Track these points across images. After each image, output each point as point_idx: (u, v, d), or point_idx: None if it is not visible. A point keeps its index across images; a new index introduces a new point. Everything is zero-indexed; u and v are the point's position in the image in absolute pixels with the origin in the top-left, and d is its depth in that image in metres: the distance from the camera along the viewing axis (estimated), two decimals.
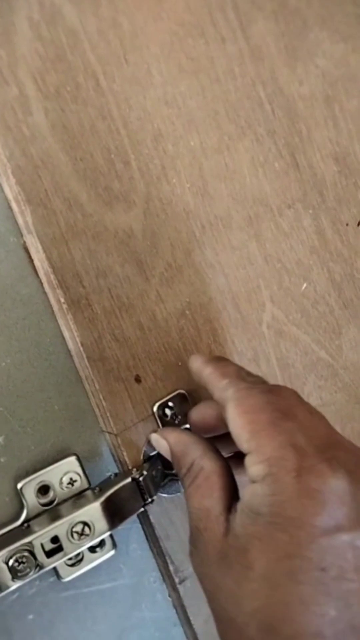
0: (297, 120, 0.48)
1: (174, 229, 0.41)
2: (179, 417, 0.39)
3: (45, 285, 0.36)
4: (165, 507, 0.39)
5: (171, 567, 0.39)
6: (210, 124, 0.43)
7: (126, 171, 0.39)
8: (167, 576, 0.40)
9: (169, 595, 0.40)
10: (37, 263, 0.36)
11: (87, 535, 0.33)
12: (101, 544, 0.36)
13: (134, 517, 0.39)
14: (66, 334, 0.37)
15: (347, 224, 0.52)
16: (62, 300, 0.36)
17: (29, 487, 0.34)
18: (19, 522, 0.34)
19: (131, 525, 0.39)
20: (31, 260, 0.36)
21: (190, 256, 0.41)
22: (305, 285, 0.48)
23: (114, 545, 0.37)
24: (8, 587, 0.31)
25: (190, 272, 0.41)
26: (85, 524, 0.33)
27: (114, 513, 0.34)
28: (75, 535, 0.32)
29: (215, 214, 0.43)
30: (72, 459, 0.36)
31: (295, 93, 0.48)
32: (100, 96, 0.38)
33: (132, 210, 0.39)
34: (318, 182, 0.50)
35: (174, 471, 0.40)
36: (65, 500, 0.35)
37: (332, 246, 0.50)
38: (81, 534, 0.32)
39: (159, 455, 0.38)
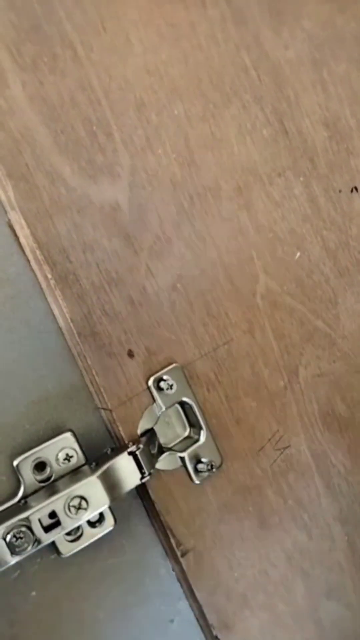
0: (284, 85, 0.47)
1: (161, 200, 0.40)
2: (174, 388, 0.39)
3: (32, 263, 0.36)
4: (165, 482, 0.39)
5: (173, 541, 0.38)
6: (194, 92, 0.42)
7: (109, 143, 0.38)
8: (169, 550, 0.39)
9: (173, 570, 0.40)
10: (22, 240, 0.36)
11: (85, 509, 0.32)
12: (101, 519, 0.36)
13: (134, 492, 0.39)
14: (56, 311, 0.37)
15: (339, 191, 0.51)
16: (50, 276, 0.35)
17: (25, 464, 0.34)
18: (16, 499, 0.34)
19: (131, 501, 0.39)
20: (17, 238, 0.36)
21: (179, 228, 0.41)
22: (298, 254, 0.48)
23: (115, 520, 0.37)
24: (7, 563, 0.31)
25: (180, 244, 0.41)
26: (82, 498, 0.33)
27: (111, 487, 0.34)
28: (72, 509, 0.32)
29: (204, 184, 0.42)
30: (68, 434, 0.35)
31: (281, 58, 0.47)
32: (78, 67, 0.37)
33: (117, 183, 0.38)
34: (308, 148, 0.49)
35: (171, 445, 0.40)
36: (62, 476, 0.35)
37: (325, 214, 0.49)
38: (78, 508, 0.32)
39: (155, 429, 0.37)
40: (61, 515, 0.32)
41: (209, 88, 0.43)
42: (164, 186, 0.40)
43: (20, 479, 0.34)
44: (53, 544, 0.35)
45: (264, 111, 0.46)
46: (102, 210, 0.37)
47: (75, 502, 0.32)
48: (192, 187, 0.42)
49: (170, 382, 0.39)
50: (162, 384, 0.38)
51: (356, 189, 0.52)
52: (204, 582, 0.40)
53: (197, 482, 0.39)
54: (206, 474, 0.39)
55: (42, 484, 0.35)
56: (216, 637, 0.40)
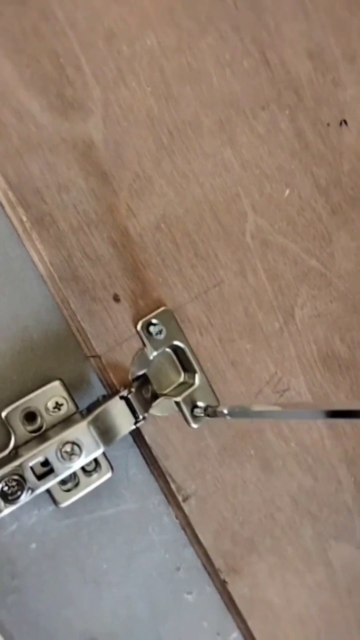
0: (263, 13, 0.45)
1: (138, 136, 0.38)
2: (163, 333, 0.37)
3: (6, 207, 0.34)
4: (161, 426, 0.37)
5: (173, 486, 0.37)
6: (166, 22, 0.40)
7: (78, 76, 0.36)
8: (170, 497, 0.39)
9: (176, 517, 0.39)
10: None
11: (77, 454, 0.31)
12: (97, 467, 0.35)
13: (130, 441, 0.38)
14: (34, 257, 0.35)
15: (328, 124, 0.48)
16: (25, 219, 0.34)
17: (13, 415, 0.33)
18: (7, 451, 0.32)
19: (128, 450, 0.38)
20: None
21: (160, 165, 0.39)
22: (288, 191, 0.46)
23: (111, 468, 0.36)
24: (1, 512, 0.30)
25: (162, 182, 0.39)
26: (74, 444, 0.31)
27: (104, 432, 0.33)
28: (65, 455, 0.31)
29: (183, 118, 0.40)
30: (56, 383, 0.34)
31: None
32: None
33: (90, 119, 0.36)
34: (292, 80, 0.46)
35: (166, 391, 0.39)
36: (53, 426, 0.34)
37: (314, 149, 0.47)
38: (71, 453, 0.31)
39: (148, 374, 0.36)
40: (54, 462, 0.31)
41: (183, 17, 0.41)
42: (140, 121, 0.38)
43: (10, 430, 0.33)
44: (50, 495, 0.34)
45: (243, 41, 0.44)
46: (75, 148, 0.35)
47: (68, 447, 0.31)
48: (170, 122, 0.40)
49: (160, 326, 0.37)
50: (151, 328, 0.37)
51: (345, 122, 0.50)
52: (208, 527, 0.39)
53: (194, 426, 0.38)
54: (203, 417, 0.38)
55: (33, 434, 0.34)
56: (224, 581, 0.40)
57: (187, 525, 0.39)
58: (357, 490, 0.47)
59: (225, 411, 0.34)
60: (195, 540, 0.39)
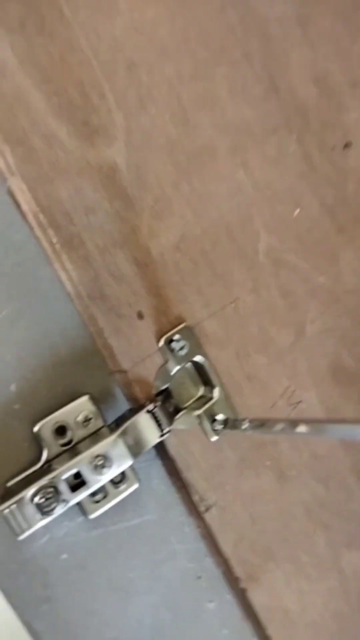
0: (271, 42, 0.47)
1: (158, 161, 0.40)
2: (186, 348, 0.39)
3: (36, 229, 0.36)
4: (183, 439, 0.39)
5: (195, 497, 0.39)
6: (182, 51, 0.42)
7: (103, 104, 0.38)
8: (192, 507, 0.40)
9: (197, 527, 0.41)
10: (24, 206, 0.35)
11: (109, 467, 0.33)
12: (124, 479, 0.36)
13: (154, 453, 0.39)
14: (63, 277, 0.36)
15: (333, 147, 0.51)
16: (55, 240, 0.35)
17: (45, 429, 0.34)
18: (40, 464, 0.34)
19: (151, 462, 0.39)
20: (18, 205, 0.35)
21: (178, 188, 0.41)
22: (297, 211, 0.48)
23: (138, 479, 0.37)
24: (37, 523, 0.31)
25: (180, 204, 0.41)
26: (105, 457, 0.33)
27: (133, 445, 0.34)
28: (97, 468, 0.32)
29: (199, 143, 0.42)
30: (85, 398, 0.35)
31: (267, 14, 0.46)
32: (66, 27, 0.37)
33: (113, 144, 0.38)
34: (299, 106, 0.48)
35: (187, 404, 0.40)
36: (83, 439, 0.35)
37: (321, 170, 0.49)
38: (102, 467, 0.32)
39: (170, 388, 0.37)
40: (86, 475, 0.32)
41: (197, 47, 0.43)
42: (160, 146, 0.40)
43: (43, 443, 0.34)
44: (80, 506, 0.35)
45: (254, 69, 0.46)
46: (100, 172, 0.37)
47: (99, 461, 0.33)
48: (188, 147, 0.41)
49: (182, 342, 0.39)
50: (173, 344, 0.38)
51: (349, 144, 0.52)
52: (228, 536, 0.40)
53: (214, 438, 0.39)
54: (222, 429, 0.39)
55: (64, 448, 0.35)
56: (243, 589, 0.41)
57: (207, 535, 0.40)
58: None
59: (247, 425, 0.36)
60: (215, 549, 0.40)
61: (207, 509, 0.39)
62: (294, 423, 0.32)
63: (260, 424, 0.34)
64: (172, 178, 0.40)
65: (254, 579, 0.41)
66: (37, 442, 0.34)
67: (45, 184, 0.35)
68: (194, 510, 0.40)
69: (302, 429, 0.34)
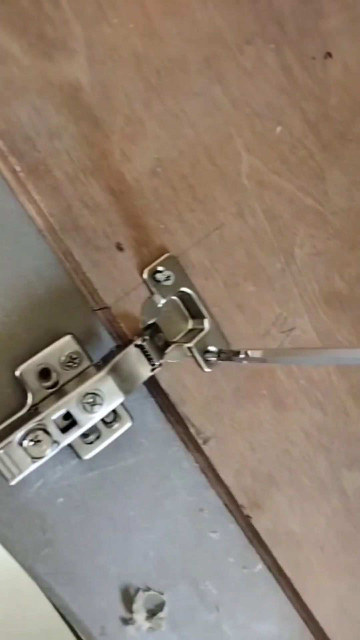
0: None
1: (125, 77, 0.36)
2: (171, 279, 0.37)
3: None
4: (176, 373, 0.37)
5: (192, 430, 0.38)
6: None
7: (58, 13, 0.34)
8: (189, 442, 0.39)
9: (195, 461, 0.40)
10: None
11: (100, 404, 0.31)
12: (116, 418, 0.35)
13: (145, 391, 0.38)
14: (31, 210, 0.34)
15: (313, 58, 0.47)
16: (18, 168, 0.32)
17: (28, 373, 0.32)
18: (25, 409, 0.32)
19: (144, 400, 0.38)
20: None
21: (150, 107, 0.37)
22: (279, 129, 0.45)
23: (131, 418, 0.36)
24: (28, 467, 0.30)
25: (154, 124, 0.38)
26: (95, 394, 0.31)
27: (123, 380, 0.32)
28: (87, 406, 0.31)
29: (169, 56, 0.38)
30: (68, 337, 0.34)
31: None
32: None
33: (74, 59, 0.34)
34: (275, 12, 0.44)
35: (176, 338, 0.39)
36: (69, 381, 0.33)
37: (302, 83, 0.46)
38: (93, 404, 0.31)
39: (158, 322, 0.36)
40: (76, 415, 0.31)
41: None
42: (126, 60, 0.36)
43: (27, 388, 0.33)
44: (72, 449, 0.34)
45: None
46: (62, 91, 0.34)
47: (89, 399, 0.31)
48: (157, 61, 0.38)
49: (167, 272, 0.37)
50: (157, 275, 0.36)
51: (329, 54, 0.49)
52: (229, 467, 0.40)
53: (207, 370, 0.38)
54: (215, 360, 0.38)
55: (50, 391, 0.33)
56: (248, 516, 0.41)
57: (207, 468, 0.40)
58: None
59: (242, 355, 0.34)
60: (217, 480, 0.40)
61: (205, 441, 0.38)
62: (291, 352, 0.31)
63: (258, 356, 0.33)
64: (142, 96, 0.37)
65: (257, 506, 0.41)
66: (21, 387, 0.33)
67: (1, 106, 0.32)
68: (192, 443, 0.39)
69: (299, 357, 0.33)
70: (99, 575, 0.36)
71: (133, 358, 0.33)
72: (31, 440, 0.30)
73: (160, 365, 0.34)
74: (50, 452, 0.30)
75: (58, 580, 0.35)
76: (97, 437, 0.35)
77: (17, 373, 0.33)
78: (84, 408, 0.31)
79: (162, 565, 0.39)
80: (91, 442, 0.35)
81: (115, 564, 0.37)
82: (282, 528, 0.43)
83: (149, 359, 0.34)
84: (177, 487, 0.39)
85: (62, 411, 0.31)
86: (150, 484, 0.38)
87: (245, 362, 0.35)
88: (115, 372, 0.32)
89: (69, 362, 0.34)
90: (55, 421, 0.31)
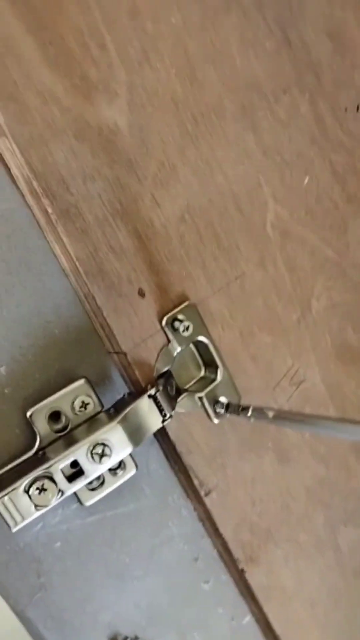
0: None
1: (163, 122, 0.36)
2: (190, 329, 0.36)
3: (28, 196, 0.32)
4: (184, 423, 0.37)
5: (195, 482, 0.37)
6: None
7: (103, 56, 0.33)
8: (191, 491, 0.39)
9: (194, 510, 0.40)
10: (14, 171, 0.32)
11: (108, 456, 0.31)
12: (121, 465, 0.35)
13: (151, 437, 0.38)
14: (57, 250, 0.33)
15: (345, 109, 0.47)
16: (50, 210, 0.32)
17: (38, 415, 0.32)
18: (32, 452, 0.32)
19: (149, 446, 0.38)
20: (8, 169, 0.32)
21: (184, 153, 0.37)
22: (307, 179, 0.45)
23: (136, 465, 0.35)
24: (31, 516, 0.29)
25: (186, 171, 0.37)
26: (104, 445, 0.31)
27: (133, 431, 0.32)
28: (95, 456, 0.30)
29: (207, 103, 0.38)
30: (82, 382, 0.33)
31: None
32: None
33: (114, 103, 0.34)
34: (312, 62, 0.45)
35: (188, 386, 0.38)
36: (79, 425, 0.33)
37: (333, 135, 0.46)
38: (102, 455, 0.31)
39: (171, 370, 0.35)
40: (84, 464, 0.31)
41: None
42: (165, 105, 0.36)
43: (36, 430, 0.32)
44: (74, 494, 0.34)
45: (266, 20, 0.42)
46: (100, 134, 0.33)
47: (98, 449, 0.31)
48: (195, 107, 0.38)
49: (186, 322, 0.36)
50: (176, 323, 0.36)
51: None
52: (228, 520, 0.39)
53: (216, 421, 0.38)
54: (225, 413, 0.38)
55: (59, 435, 0.33)
56: (242, 570, 0.40)
57: (207, 518, 0.39)
58: None
59: (250, 413, 0.34)
60: (214, 531, 0.40)
61: (207, 494, 0.38)
62: (300, 417, 0.30)
63: (265, 414, 0.33)
64: (178, 142, 0.37)
65: (252, 560, 0.41)
66: (30, 428, 0.32)
67: (39, 147, 0.31)
68: (194, 493, 0.38)
69: (307, 426, 0.32)
70: (88, 623, 0.36)
71: (145, 409, 0.33)
72: (37, 488, 0.29)
73: (171, 416, 0.34)
74: (54, 501, 0.30)
75: (47, 625, 0.34)
76: (101, 484, 0.34)
77: (28, 414, 0.32)
78: (92, 458, 0.31)
79: (152, 614, 0.38)
80: (94, 489, 0.34)
81: (106, 611, 0.36)
82: (275, 583, 0.42)
83: (161, 410, 0.33)
84: (174, 535, 0.39)
85: (70, 460, 0.30)
86: (148, 531, 0.38)
87: (252, 420, 0.35)
88: (126, 422, 0.32)
89: (81, 406, 0.33)
90: (62, 469, 0.30)
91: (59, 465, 0.30)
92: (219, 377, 0.38)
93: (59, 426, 0.33)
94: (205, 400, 0.37)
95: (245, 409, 0.34)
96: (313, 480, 0.44)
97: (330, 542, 0.46)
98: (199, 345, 0.38)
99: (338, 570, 0.46)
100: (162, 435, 0.37)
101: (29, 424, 0.33)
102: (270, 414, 0.33)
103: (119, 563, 0.37)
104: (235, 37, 0.40)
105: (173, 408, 0.35)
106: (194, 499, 0.39)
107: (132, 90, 0.35)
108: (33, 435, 0.33)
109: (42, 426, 0.32)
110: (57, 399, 0.33)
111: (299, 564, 0.44)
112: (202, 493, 0.38)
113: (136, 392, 0.35)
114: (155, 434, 0.37)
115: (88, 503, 0.34)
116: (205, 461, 0.38)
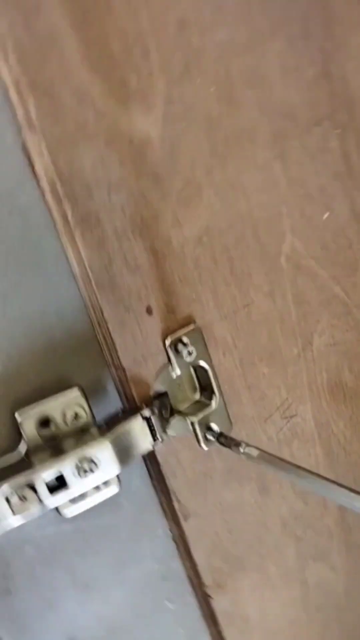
0: (332, 22, 0.42)
1: (195, 139, 0.35)
2: (193, 355, 0.36)
3: (48, 196, 0.31)
4: (174, 447, 0.37)
5: (176, 505, 0.37)
6: (241, 16, 0.37)
7: (145, 63, 0.33)
8: (170, 512, 0.38)
9: (170, 530, 0.39)
10: (38, 169, 0.31)
11: (94, 473, 0.30)
12: (106, 482, 0.34)
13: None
14: (70, 254, 0.33)
15: None
16: (70, 215, 0.31)
17: (27, 417, 0.31)
18: (15, 453, 0.31)
19: (134, 464, 0.37)
20: (31, 164, 0.31)
21: (211, 173, 0.37)
22: (327, 214, 0.44)
23: (119, 483, 0.35)
24: (10, 526, 0.28)
25: (210, 192, 0.37)
26: (91, 461, 0.30)
27: (122, 451, 0.32)
28: (81, 472, 0.30)
29: (240, 125, 0.38)
30: (75, 390, 0.33)
31: None
32: None
33: (150, 113, 0.33)
34: (348, 96, 0.44)
35: (182, 408, 0.38)
36: (68, 436, 0.32)
37: (357, 172, 0.46)
38: (87, 471, 0.30)
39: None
40: (68, 477, 0.30)
41: (258, 13, 0.38)
42: (199, 122, 0.36)
43: (23, 433, 0.32)
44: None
45: (310, 49, 0.41)
46: (131, 144, 0.33)
47: (85, 465, 0.30)
48: (228, 128, 0.37)
49: (190, 348, 0.36)
50: (180, 346, 0.36)
51: None
52: (203, 545, 0.39)
53: (205, 448, 0.37)
54: (214, 442, 0.37)
55: (46, 442, 0.32)
56: (209, 596, 0.40)
57: (181, 541, 0.39)
58: (340, 515, 0.48)
59: (242, 450, 0.33)
60: (187, 555, 0.39)
61: (186, 518, 0.38)
62: (289, 467, 0.30)
63: (257, 454, 0.32)
64: (206, 161, 0.36)
65: (220, 586, 0.41)
66: (17, 428, 0.32)
67: (68, 148, 0.30)
68: (172, 516, 0.38)
69: (298, 480, 0.32)
70: (47, 632, 0.35)
71: (137, 430, 0.32)
72: (17, 496, 0.29)
73: (162, 440, 0.33)
74: (34, 512, 0.29)
75: (9, 629, 0.34)
76: (82, 497, 0.34)
77: (17, 415, 0.31)
78: (78, 473, 0.30)
79: (113, 627, 0.38)
80: (74, 500, 0.34)
81: (66, 622, 0.36)
82: (239, 611, 0.42)
83: (152, 433, 0.33)
84: (146, 552, 0.39)
85: (56, 472, 0.30)
86: (120, 545, 0.37)
87: (242, 456, 0.34)
88: (116, 440, 0.31)
89: (73, 417, 0.32)
90: (45, 480, 0.29)
91: (44, 475, 0.29)
92: (213, 405, 0.37)
93: (47, 433, 0.32)
94: (197, 426, 0.37)
95: (238, 444, 0.33)
96: (289, 513, 0.44)
97: (298, 576, 0.46)
98: (198, 369, 0.38)
99: (302, 605, 0.47)
100: (149, 454, 0.37)
101: (15, 425, 0.32)
102: (255, 453, 0.33)
103: (87, 574, 0.36)
104: (278, 63, 0.39)
105: (164, 431, 0.34)
106: (172, 520, 0.39)
107: (169, 103, 0.34)
108: (19, 437, 0.32)
109: (29, 430, 0.32)
110: (48, 404, 0.32)
111: (265, 594, 0.44)
112: (181, 516, 0.38)
113: (130, 409, 0.34)
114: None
115: (67, 515, 0.33)
116: (188, 485, 0.38)
